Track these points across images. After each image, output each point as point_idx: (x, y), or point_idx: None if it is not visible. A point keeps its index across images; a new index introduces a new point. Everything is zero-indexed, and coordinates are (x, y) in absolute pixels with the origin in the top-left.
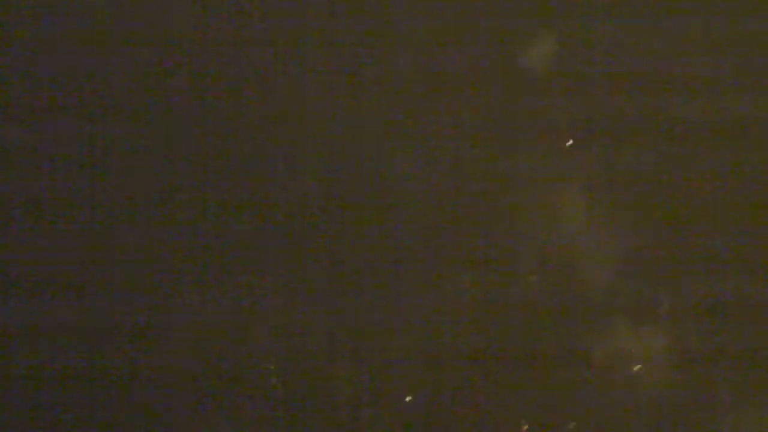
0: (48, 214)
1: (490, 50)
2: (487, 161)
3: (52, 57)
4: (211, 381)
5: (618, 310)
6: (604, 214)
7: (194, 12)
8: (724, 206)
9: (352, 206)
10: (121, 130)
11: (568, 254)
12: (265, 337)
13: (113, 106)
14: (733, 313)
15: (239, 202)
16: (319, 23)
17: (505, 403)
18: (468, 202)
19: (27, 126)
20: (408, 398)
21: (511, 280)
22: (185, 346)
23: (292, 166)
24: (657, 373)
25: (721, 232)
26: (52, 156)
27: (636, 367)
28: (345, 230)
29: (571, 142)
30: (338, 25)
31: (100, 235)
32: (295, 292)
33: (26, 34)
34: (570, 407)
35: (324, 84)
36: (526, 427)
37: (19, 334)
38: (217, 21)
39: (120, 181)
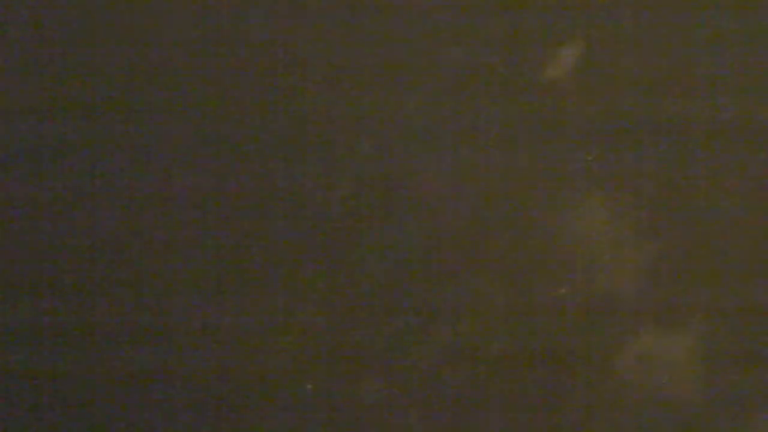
0: (48, 214)
1: (513, 55)
2: (509, 166)
3: (52, 57)
4: (241, 384)
5: (644, 315)
6: (629, 218)
7: (194, 12)
8: (753, 209)
9: (375, 212)
10: (121, 131)
11: (592, 258)
12: (296, 342)
13: (113, 106)
14: (762, 317)
15: (263, 206)
16: (345, 24)
17: (529, 407)
18: (490, 206)
19: (27, 126)
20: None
21: (535, 285)
22: (217, 350)
23: (314, 169)
24: (684, 378)
25: (748, 234)
26: (53, 156)
27: (665, 378)
28: (369, 235)
29: (591, 157)
30: (361, 26)
31: (102, 235)
32: (321, 294)
33: (26, 34)
34: (595, 412)
35: (347, 85)
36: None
37: (19, 335)
38: (217, 21)
39: (121, 181)
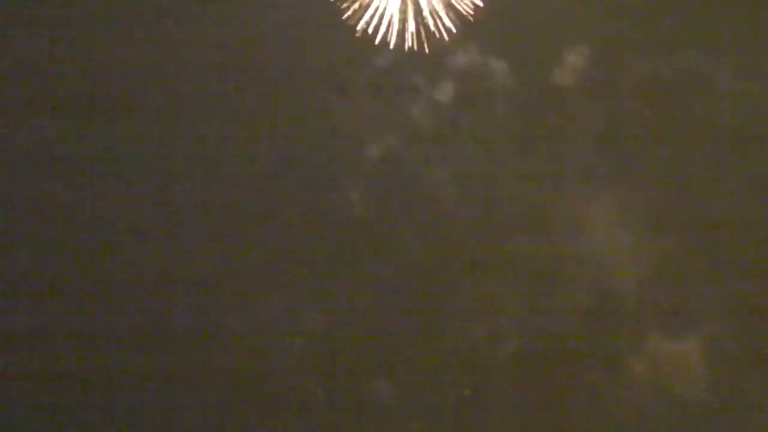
0: (48, 214)
1: (521, 63)
2: (515, 170)
3: (52, 57)
4: (252, 387)
5: (650, 315)
6: (635, 222)
7: (195, 13)
8: (757, 211)
9: (390, 218)
10: (121, 131)
11: (599, 260)
12: (304, 347)
13: (113, 106)
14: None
15: (263, 206)
16: (348, 28)
17: (540, 406)
18: (496, 210)
19: (27, 126)
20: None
21: (542, 287)
22: (227, 353)
23: (320, 173)
24: (690, 376)
25: (752, 237)
26: (53, 156)
27: (671, 378)
28: (383, 240)
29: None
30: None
31: (102, 235)
32: (332, 299)
33: (26, 34)
34: (604, 410)
35: (353, 90)
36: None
37: (21, 336)
38: (219, 22)
39: (121, 182)
